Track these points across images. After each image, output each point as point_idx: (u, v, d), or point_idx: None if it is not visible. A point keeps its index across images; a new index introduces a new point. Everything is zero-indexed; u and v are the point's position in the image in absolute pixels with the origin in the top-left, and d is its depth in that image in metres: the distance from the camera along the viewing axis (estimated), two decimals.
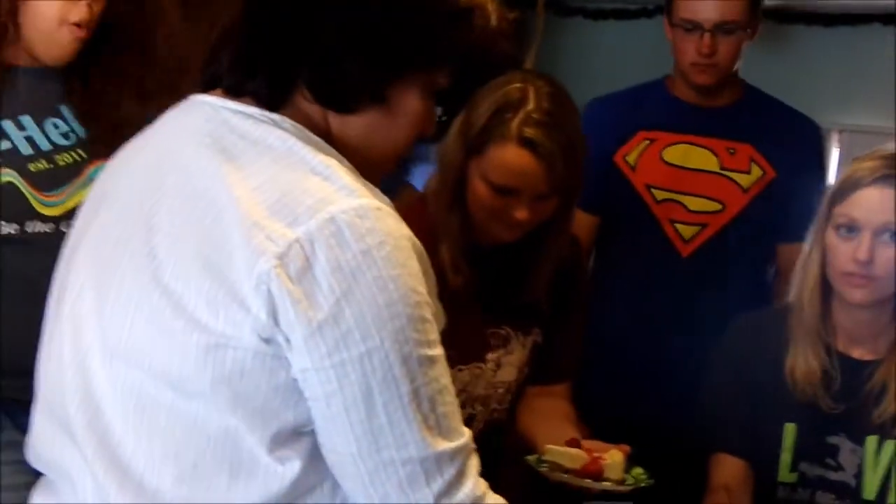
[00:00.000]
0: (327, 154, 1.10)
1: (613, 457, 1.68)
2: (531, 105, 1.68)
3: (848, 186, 1.81)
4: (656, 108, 2.42)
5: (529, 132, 1.66)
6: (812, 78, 6.07)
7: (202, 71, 1.19)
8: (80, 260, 1.18)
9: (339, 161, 1.10)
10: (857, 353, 1.87)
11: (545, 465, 1.68)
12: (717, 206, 2.37)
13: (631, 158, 2.39)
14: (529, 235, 1.77)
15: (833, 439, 1.86)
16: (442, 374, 1.09)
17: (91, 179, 1.74)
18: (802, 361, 1.85)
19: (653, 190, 2.37)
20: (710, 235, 2.37)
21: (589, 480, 1.64)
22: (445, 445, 1.08)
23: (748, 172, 2.36)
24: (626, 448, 1.70)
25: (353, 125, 1.15)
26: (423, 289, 1.08)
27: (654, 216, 2.38)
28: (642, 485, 1.68)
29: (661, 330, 2.37)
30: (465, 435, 1.12)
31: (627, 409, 2.31)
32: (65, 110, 1.82)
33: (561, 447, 1.70)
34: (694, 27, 2.29)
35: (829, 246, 1.82)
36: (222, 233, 1.05)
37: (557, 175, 1.68)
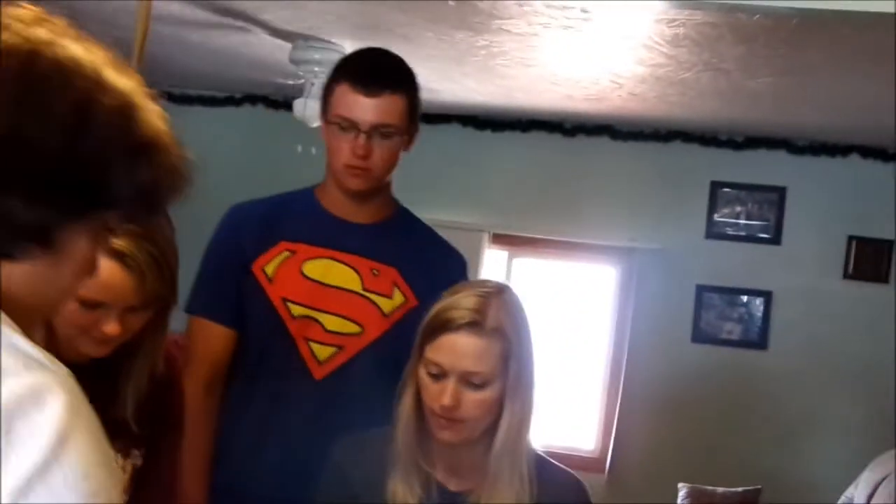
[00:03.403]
0: None
1: None
2: None
3: (437, 327, 1.80)
4: (301, 219, 2.28)
5: (118, 244, 1.56)
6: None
7: None
8: None
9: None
10: (454, 485, 1.88)
11: None
12: (356, 329, 2.24)
13: (269, 269, 2.24)
14: (120, 350, 1.66)
15: None
16: None
17: None
18: (401, 489, 1.85)
19: (289, 304, 2.22)
20: (346, 360, 2.24)
21: None
22: None
23: (391, 297, 2.26)
24: None
25: (17, 274, 0.95)
26: (113, 488, 0.94)
27: (289, 332, 2.22)
28: None
29: (290, 451, 2.21)
30: None
31: None
32: None
33: None
34: (349, 126, 2.18)
35: (421, 383, 1.82)
36: None
37: (148, 287, 1.60)
